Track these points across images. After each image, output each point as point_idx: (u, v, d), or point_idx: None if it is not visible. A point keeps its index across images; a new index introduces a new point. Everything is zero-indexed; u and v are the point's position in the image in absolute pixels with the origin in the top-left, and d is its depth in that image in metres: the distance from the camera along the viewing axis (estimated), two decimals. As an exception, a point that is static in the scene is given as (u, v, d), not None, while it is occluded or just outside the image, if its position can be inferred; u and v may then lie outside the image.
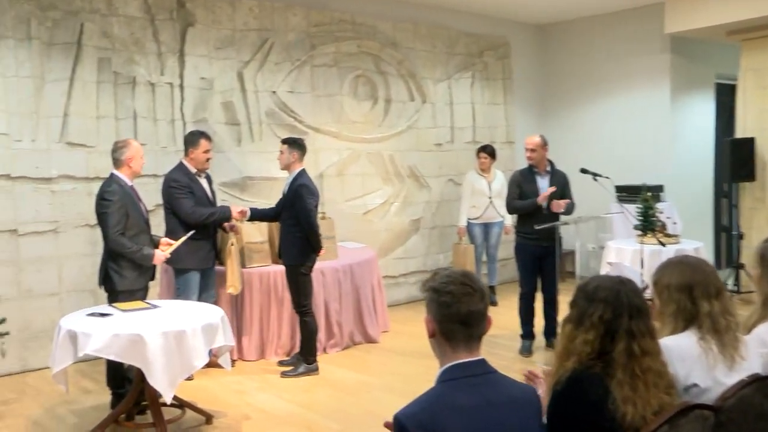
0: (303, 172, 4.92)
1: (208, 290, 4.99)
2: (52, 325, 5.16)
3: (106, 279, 4.13)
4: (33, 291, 5.31)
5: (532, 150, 5.28)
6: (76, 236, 5.47)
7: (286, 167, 4.89)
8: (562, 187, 5.36)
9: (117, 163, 4.18)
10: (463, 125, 7.85)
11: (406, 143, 7.35)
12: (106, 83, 5.52)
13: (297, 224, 4.79)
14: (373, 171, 7.14)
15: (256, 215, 5.03)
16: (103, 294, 5.16)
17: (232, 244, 4.94)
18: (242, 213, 4.89)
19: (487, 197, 6.80)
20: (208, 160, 4.87)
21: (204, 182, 4.95)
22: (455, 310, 1.74)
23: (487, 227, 6.90)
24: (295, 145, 4.91)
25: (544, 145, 5.31)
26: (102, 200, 4.05)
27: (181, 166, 4.87)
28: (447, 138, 7.72)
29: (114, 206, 4.01)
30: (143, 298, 4.23)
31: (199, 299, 4.82)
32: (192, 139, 4.84)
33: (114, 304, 3.99)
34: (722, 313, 2.12)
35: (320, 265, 5.42)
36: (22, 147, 5.22)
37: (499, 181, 6.87)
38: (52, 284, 5.39)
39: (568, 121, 8.53)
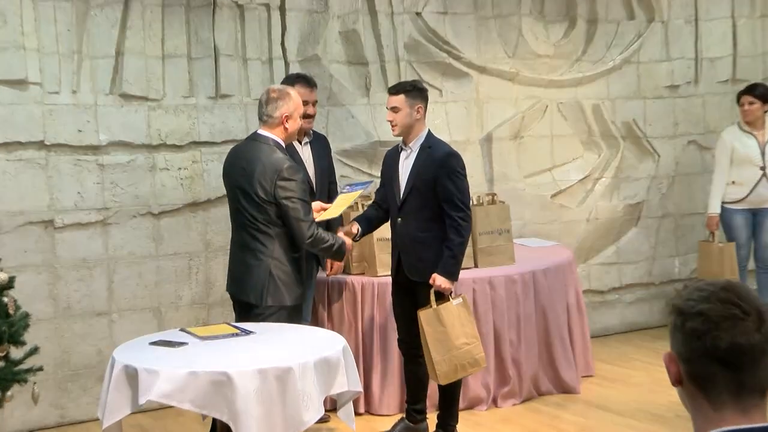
0: (432, 135, 4.88)
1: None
2: (101, 358, 5.40)
3: (268, 289, 4.32)
4: (73, 309, 5.45)
5: None
6: (133, 230, 5.58)
7: (406, 130, 4.76)
8: None
9: (268, 121, 4.40)
10: (715, 54, 7.49)
11: (620, 86, 7.17)
12: (174, 7, 5.64)
13: (439, 218, 4.68)
14: (567, 130, 7.01)
15: (365, 229, 4.92)
16: (170, 315, 5.71)
17: None
18: (348, 233, 4.82)
19: (757, 167, 6.49)
20: (307, 116, 4.93)
21: (304, 150, 5.06)
22: (710, 343, 1.65)
23: (756, 216, 6.59)
24: (417, 92, 4.78)
25: None
26: (284, 180, 4.23)
27: None
28: (688, 76, 7.43)
29: (301, 186, 4.28)
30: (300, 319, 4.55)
31: None
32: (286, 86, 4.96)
33: (189, 329, 4.12)
34: None
35: (486, 273, 5.41)
36: (59, 102, 5.37)
37: None
38: (100, 299, 5.50)
39: None
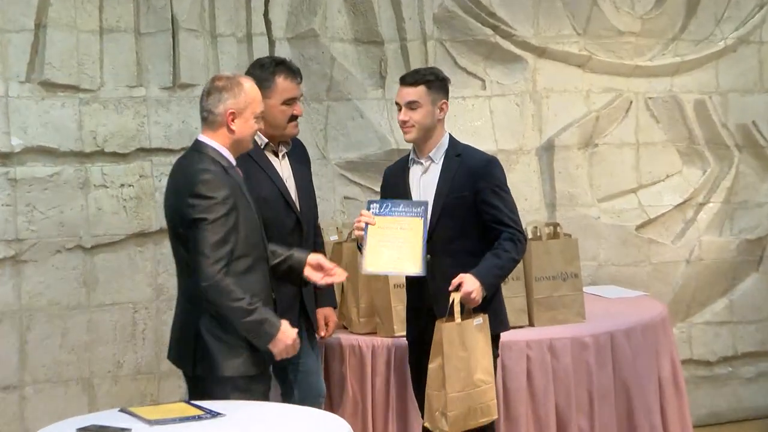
0: (455, 139, 4.94)
1: (299, 381, 5.09)
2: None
3: (196, 352, 4.30)
4: (-29, 379, 5.38)
5: None
6: (56, 270, 5.57)
7: (426, 134, 4.79)
8: None
9: (208, 118, 4.39)
10: None
11: (734, 76, 7.19)
12: (115, -36, 5.69)
13: (480, 250, 4.66)
14: (659, 136, 7.03)
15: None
16: (106, 389, 5.70)
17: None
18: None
19: None
20: (292, 119, 4.91)
21: (282, 164, 5.02)
22: None
23: None
24: (441, 83, 4.84)
25: None
26: (195, 198, 4.19)
27: None
28: None
29: (217, 210, 4.17)
30: (264, 394, 4.40)
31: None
32: (262, 77, 4.88)
33: (132, 409, 4.04)
34: None
35: (546, 333, 5.38)
36: (-47, 93, 5.39)
37: None
38: (8, 366, 5.47)
39: None
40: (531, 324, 5.47)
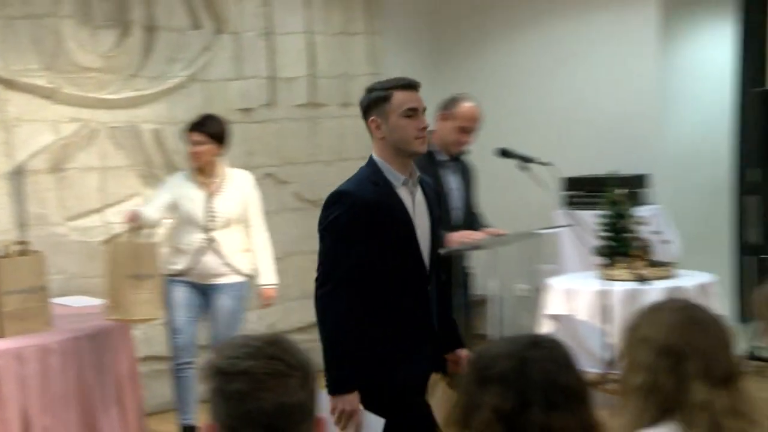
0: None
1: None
2: None
3: None
4: None
5: (473, 129, 5.77)
6: None
7: None
8: (467, 186, 5.89)
9: None
10: (293, 74, 8.10)
11: (186, 108, 7.38)
12: None
13: None
14: (121, 161, 7.27)
15: None
16: None
17: None
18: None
19: (198, 229, 6.35)
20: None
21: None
22: (254, 406, 1.88)
23: (206, 292, 6.49)
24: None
25: None
26: None
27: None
28: (263, 98, 7.98)
29: None
30: None
31: None
32: None
33: None
34: (729, 411, 2.34)
35: (15, 343, 5.42)
36: None
37: (240, 194, 6.44)
38: None
39: (478, 66, 8.90)
40: (2, 335, 5.42)
